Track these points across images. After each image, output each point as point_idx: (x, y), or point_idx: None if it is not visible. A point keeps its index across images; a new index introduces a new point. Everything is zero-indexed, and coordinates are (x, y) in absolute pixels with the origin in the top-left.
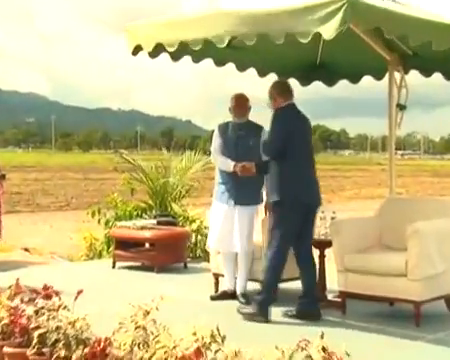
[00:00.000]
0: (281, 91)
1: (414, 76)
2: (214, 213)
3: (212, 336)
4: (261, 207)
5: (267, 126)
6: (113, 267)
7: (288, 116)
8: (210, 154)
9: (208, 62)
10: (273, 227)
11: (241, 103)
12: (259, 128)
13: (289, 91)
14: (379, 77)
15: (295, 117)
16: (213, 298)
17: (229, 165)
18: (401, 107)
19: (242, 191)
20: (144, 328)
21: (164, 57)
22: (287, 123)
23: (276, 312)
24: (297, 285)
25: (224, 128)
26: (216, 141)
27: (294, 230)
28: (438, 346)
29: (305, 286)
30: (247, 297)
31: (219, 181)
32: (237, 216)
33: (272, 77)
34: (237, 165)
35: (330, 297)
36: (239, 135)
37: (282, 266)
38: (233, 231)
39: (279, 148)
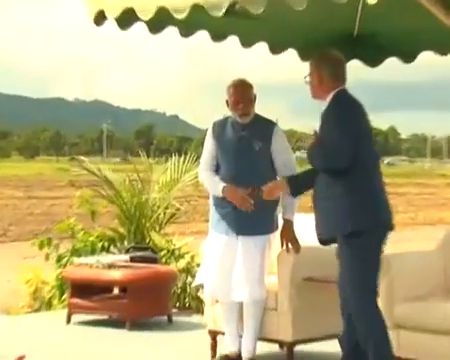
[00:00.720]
0: (336, 70)
1: None
2: (210, 247)
3: None
4: (275, 236)
5: (285, 122)
6: (68, 322)
7: (356, 106)
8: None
9: (202, 36)
10: (354, 271)
11: (242, 94)
12: (270, 126)
13: (345, 71)
14: (444, 51)
15: (360, 107)
16: None
17: (217, 188)
18: None
19: (247, 216)
20: None
21: (140, 28)
22: (358, 117)
23: None
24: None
25: (221, 127)
26: (207, 147)
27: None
28: None
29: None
30: None
31: (213, 203)
32: (241, 251)
33: (289, 54)
34: (236, 190)
35: None
36: (241, 137)
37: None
38: (236, 271)
39: (352, 154)
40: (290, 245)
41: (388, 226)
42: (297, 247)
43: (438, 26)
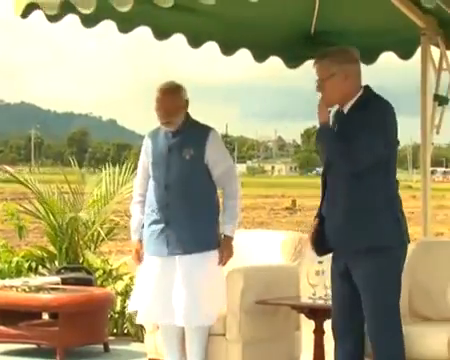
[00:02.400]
0: (358, 67)
1: None
2: (144, 269)
3: None
4: (215, 253)
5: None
6: None
7: (390, 108)
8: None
9: (144, 32)
10: (378, 290)
11: (161, 101)
12: (204, 132)
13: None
14: (406, 54)
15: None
16: None
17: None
18: (441, 100)
19: (180, 233)
20: None
21: (72, 23)
22: (394, 119)
23: None
24: None
25: (153, 138)
26: (140, 163)
27: None
28: None
29: None
30: None
31: (146, 219)
32: (179, 271)
33: (242, 55)
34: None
35: None
36: (171, 146)
37: None
38: (174, 294)
39: (377, 158)
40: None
41: (409, 240)
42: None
43: (401, 27)
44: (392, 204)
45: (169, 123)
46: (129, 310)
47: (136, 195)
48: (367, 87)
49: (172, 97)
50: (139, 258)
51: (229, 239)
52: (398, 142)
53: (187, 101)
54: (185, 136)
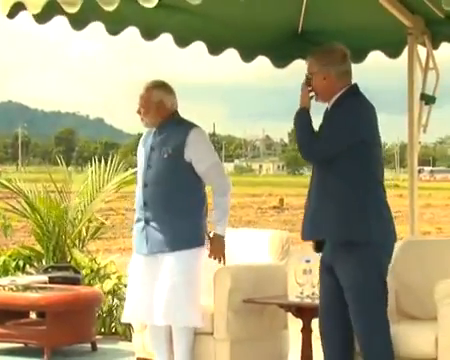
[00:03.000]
0: (342, 67)
1: (448, 51)
2: (131, 269)
3: None
4: (197, 251)
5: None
6: None
7: (366, 107)
8: (132, 167)
9: (132, 32)
10: (361, 289)
11: (139, 100)
12: (185, 130)
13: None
14: (394, 53)
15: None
16: None
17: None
18: (428, 99)
19: (159, 231)
20: None
21: (58, 22)
22: (369, 117)
23: None
24: None
25: (144, 138)
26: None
27: None
28: None
29: None
30: None
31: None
32: (162, 270)
33: (229, 55)
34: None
35: None
36: (152, 145)
37: None
38: (156, 293)
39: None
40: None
41: (396, 238)
42: (224, 261)
43: (389, 26)
44: (370, 199)
45: (142, 120)
46: (123, 320)
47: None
48: (352, 86)
49: (145, 95)
50: None
51: (220, 238)
52: (379, 140)
53: (162, 101)
54: (167, 135)
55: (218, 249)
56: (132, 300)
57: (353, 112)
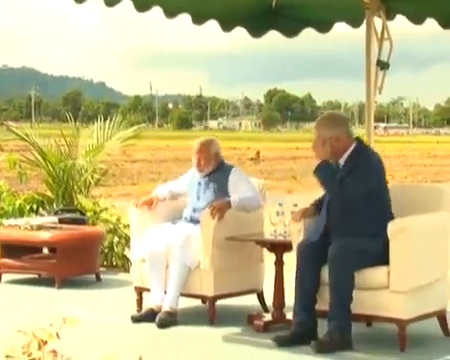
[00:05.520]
0: (348, 128)
1: (401, 24)
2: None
3: None
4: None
5: None
6: None
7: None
8: (132, 125)
9: (126, 5)
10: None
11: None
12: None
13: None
14: (356, 24)
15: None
16: (136, 319)
17: None
18: (383, 65)
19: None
20: None
21: None
22: (380, 165)
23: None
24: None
25: None
26: None
27: None
28: None
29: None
30: (175, 317)
31: None
32: (184, 225)
33: (211, 26)
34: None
35: (290, 317)
36: None
37: None
38: (173, 235)
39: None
40: (215, 213)
41: None
42: (219, 217)
43: (351, 1)
44: (382, 229)
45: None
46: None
47: None
48: (360, 142)
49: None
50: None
51: (227, 201)
52: (386, 182)
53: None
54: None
55: (223, 207)
56: (148, 239)
57: (374, 162)
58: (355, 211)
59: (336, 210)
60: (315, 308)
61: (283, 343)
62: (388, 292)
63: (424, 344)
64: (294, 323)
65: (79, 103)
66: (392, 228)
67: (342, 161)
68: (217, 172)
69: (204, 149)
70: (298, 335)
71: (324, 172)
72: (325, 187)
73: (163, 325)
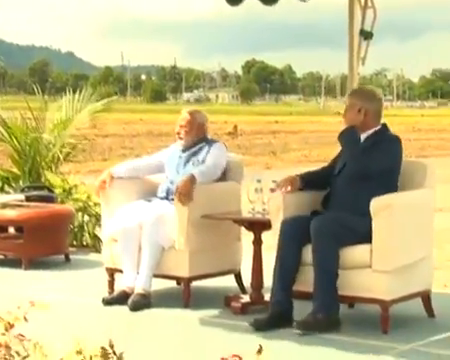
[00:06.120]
0: (382, 105)
1: None
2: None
3: (105, 354)
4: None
5: None
6: None
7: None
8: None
9: None
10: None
11: None
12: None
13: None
14: None
15: None
16: (107, 302)
17: None
18: (366, 35)
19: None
20: (7, 346)
21: None
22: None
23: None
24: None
25: None
26: None
27: None
28: None
29: None
30: (148, 299)
31: None
32: (158, 202)
33: None
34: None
35: (268, 298)
36: None
37: None
38: (146, 213)
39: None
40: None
41: None
42: (187, 200)
43: None
44: None
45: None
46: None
47: None
48: (385, 124)
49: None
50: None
51: (191, 177)
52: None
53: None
54: None
55: (187, 187)
56: (119, 215)
57: (398, 145)
58: (361, 186)
59: (343, 181)
60: (293, 289)
61: (260, 327)
62: (370, 272)
63: (407, 326)
64: (271, 303)
65: (46, 74)
66: (375, 205)
67: (364, 136)
68: (200, 146)
69: (189, 118)
70: (276, 316)
71: (351, 135)
72: (348, 149)
73: (135, 308)
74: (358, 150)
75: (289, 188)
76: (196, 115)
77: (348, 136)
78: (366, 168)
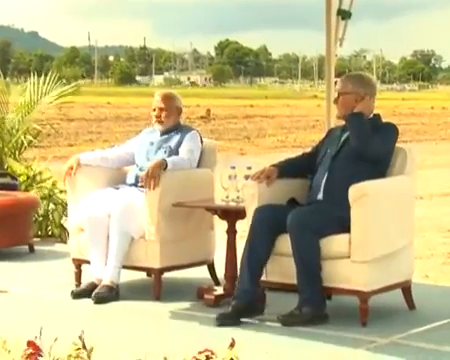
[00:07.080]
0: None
1: None
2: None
3: (76, 350)
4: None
5: None
6: None
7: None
8: (68, 80)
9: None
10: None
11: None
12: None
13: None
14: None
15: None
16: (76, 294)
17: None
18: (344, 14)
19: None
20: None
21: None
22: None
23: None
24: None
25: None
26: None
27: None
28: (393, 354)
29: None
30: (115, 291)
31: None
32: (127, 190)
33: None
34: None
35: None
36: None
37: None
38: (108, 197)
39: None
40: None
41: None
42: (150, 184)
43: None
44: None
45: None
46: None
47: None
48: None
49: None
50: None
51: (161, 161)
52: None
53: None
54: None
55: (155, 170)
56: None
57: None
58: (356, 173)
59: (339, 164)
60: (265, 280)
61: (225, 322)
62: (349, 262)
63: (387, 318)
64: (238, 292)
65: (8, 55)
66: (352, 193)
67: None
68: (174, 132)
69: (167, 101)
70: (241, 307)
71: (361, 120)
72: (357, 133)
73: (101, 301)
74: (367, 134)
75: (265, 182)
76: (176, 98)
77: (358, 119)
78: (374, 152)
